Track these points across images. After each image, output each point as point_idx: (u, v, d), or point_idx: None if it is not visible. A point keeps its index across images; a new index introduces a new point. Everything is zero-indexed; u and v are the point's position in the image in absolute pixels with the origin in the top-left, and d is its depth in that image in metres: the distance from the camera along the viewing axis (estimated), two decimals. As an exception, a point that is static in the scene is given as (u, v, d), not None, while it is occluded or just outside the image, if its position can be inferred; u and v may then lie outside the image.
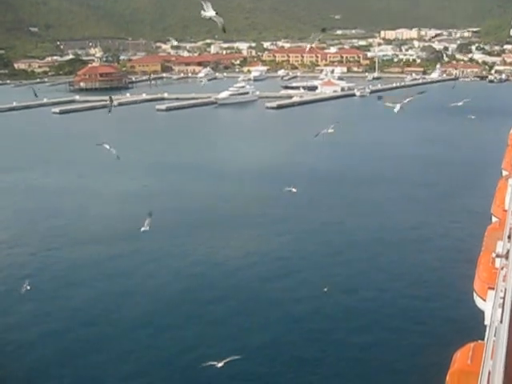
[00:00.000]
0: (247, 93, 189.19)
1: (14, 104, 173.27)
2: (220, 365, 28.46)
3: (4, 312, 42.53)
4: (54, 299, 44.67)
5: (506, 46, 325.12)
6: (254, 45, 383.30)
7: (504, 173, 34.39)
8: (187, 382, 33.77)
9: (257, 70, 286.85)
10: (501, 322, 12.87)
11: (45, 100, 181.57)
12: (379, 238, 57.01)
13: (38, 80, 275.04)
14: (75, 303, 43.87)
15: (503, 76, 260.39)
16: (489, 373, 11.30)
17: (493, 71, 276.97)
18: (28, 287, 39.85)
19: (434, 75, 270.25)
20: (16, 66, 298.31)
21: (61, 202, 72.49)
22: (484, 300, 18.39)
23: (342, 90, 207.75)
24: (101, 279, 48.35)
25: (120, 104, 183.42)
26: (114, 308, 43.16)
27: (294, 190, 57.12)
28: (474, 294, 19.51)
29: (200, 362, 30.24)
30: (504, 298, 14.08)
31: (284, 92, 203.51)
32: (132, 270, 50.29)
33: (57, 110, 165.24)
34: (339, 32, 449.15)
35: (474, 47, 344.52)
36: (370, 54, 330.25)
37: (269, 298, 44.14)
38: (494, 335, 12.78)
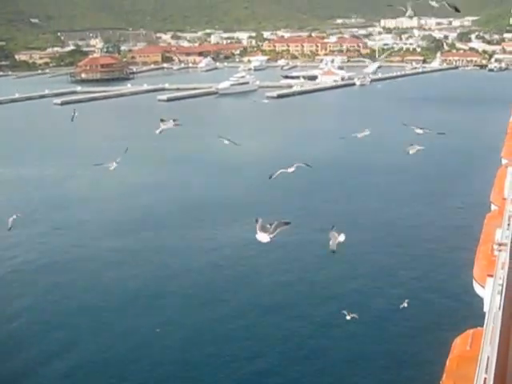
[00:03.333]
0: (247, 82, 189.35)
1: (16, 95, 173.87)
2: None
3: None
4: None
5: (505, 35, 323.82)
6: (254, 35, 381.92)
7: (503, 161, 34.69)
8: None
9: (257, 60, 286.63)
10: (499, 308, 13.18)
11: (46, 91, 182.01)
12: (376, 225, 57.26)
13: (39, 71, 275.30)
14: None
15: (503, 65, 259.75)
16: (487, 358, 11.59)
17: (492, 60, 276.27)
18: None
19: (435, 64, 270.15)
20: (17, 57, 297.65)
21: (61, 192, 72.95)
22: (483, 287, 18.70)
23: (342, 79, 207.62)
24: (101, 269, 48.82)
25: (121, 95, 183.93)
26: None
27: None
28: (474, 282, 19.82)
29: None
30: (502, 286, 14.41)
31: (284, 82, 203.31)
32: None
33: (58, 101, 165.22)
34: (339, 21, 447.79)
35: (473, 36, 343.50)
36: (370, 43, 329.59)
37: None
38: (493, 322, 13.08)
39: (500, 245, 18.17)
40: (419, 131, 28.49)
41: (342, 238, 20.59)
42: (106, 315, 41.16)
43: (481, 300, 18.47)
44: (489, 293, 16.86)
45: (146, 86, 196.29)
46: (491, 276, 17.37)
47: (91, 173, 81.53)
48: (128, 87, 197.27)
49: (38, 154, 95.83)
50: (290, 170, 23.83)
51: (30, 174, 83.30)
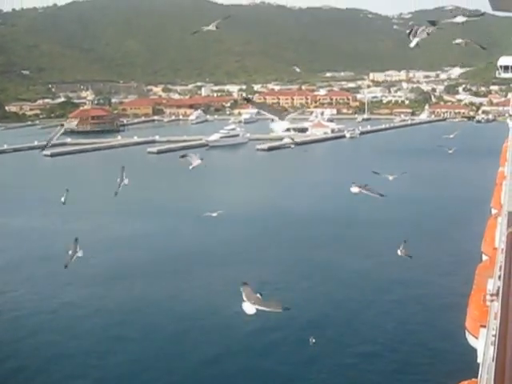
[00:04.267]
0: (238, 135, 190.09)
1: (5, 147, 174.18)
2: None
3: None
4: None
5: (492, 87, 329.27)
6: (244, 87, 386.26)
7: (493, 211, 34.72)
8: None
9: (247, 113, 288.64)
10: (493, 360, 12.90)
11: (36, 142, 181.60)
12: (368, 278, 56.95)
13: (29, 123, 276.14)
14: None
15: (490, 116, 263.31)
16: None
17: (480, 111, 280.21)
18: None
19: (423, 116, 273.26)
20: (7, 108, 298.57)
21: (47, 243, 72.25)
22: (476, 338, 18.41)
23: (332, 131, 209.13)
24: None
25: (111, 147, 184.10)
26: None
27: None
28: (466, 332, 19.53)
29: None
30: (496, 336, 14.13)
31: (274, 134, 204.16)
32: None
33: (48, 152, 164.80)
34: (328, 74, 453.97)
35: (461, 88, 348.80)
36: (359, 96, 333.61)
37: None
38: (487, 373, 12.79)
39: (492, 295, 17.93)
40: None
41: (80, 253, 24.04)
42: (89, 362, 40.87)
43: (474, 351, 18.13)
44: (482, 344, 16.56)
45: (136, 139, 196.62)
46: (484, 327, 17.11)
47: (78, 225, 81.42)
48: (118, 139, 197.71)
49: (25, 205, 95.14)
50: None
51: (16, 225, 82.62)
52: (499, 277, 19.25)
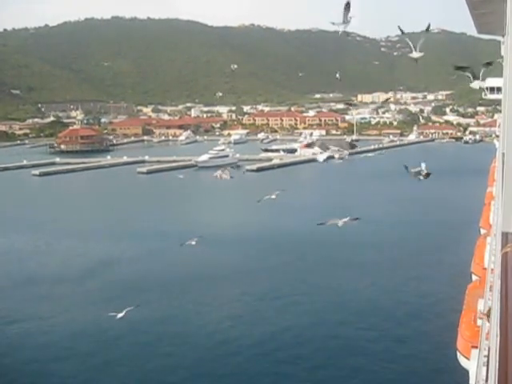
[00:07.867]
0: (227, 156, 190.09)
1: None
2: None
3: None
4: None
5: (478, 108, 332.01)
6: (234, 108, 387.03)
7: (482, 231, 34.71)
8: None
9: (237, 134, 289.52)
10: (486, 381, 12.82)
11: (24, 162, 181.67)
12: (359, 300, 56.76)
13: (19, 142, 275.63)
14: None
15: (477, 137, 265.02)
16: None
17: (467, 132, 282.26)
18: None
19: (412, 137, 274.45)
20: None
21: (32, 266, 71.69)
22: (468, 359, 18.29)
23: (321, 152, 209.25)
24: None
25: (101, 167, 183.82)
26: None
27: None
28: (458, 354, 19.40)
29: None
30: (488, 357, 14.05)
31: (264, 155, 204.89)
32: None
33: (37, 172, 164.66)
34: (317, 96, 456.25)
35: (448, 109, 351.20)
36: (347, 117, 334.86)
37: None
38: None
39: (483, 315, 17.87)
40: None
41: None
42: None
43: (466, 372, 18.01)
44: (474, 365, 16.47)
45: (125, 158, 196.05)
46: (476, 347, 17.02)
47: (64, 247, 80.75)
48: (107, 159, 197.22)
49: (11, 225, 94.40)
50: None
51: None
52: (490, 296, 19.21)
